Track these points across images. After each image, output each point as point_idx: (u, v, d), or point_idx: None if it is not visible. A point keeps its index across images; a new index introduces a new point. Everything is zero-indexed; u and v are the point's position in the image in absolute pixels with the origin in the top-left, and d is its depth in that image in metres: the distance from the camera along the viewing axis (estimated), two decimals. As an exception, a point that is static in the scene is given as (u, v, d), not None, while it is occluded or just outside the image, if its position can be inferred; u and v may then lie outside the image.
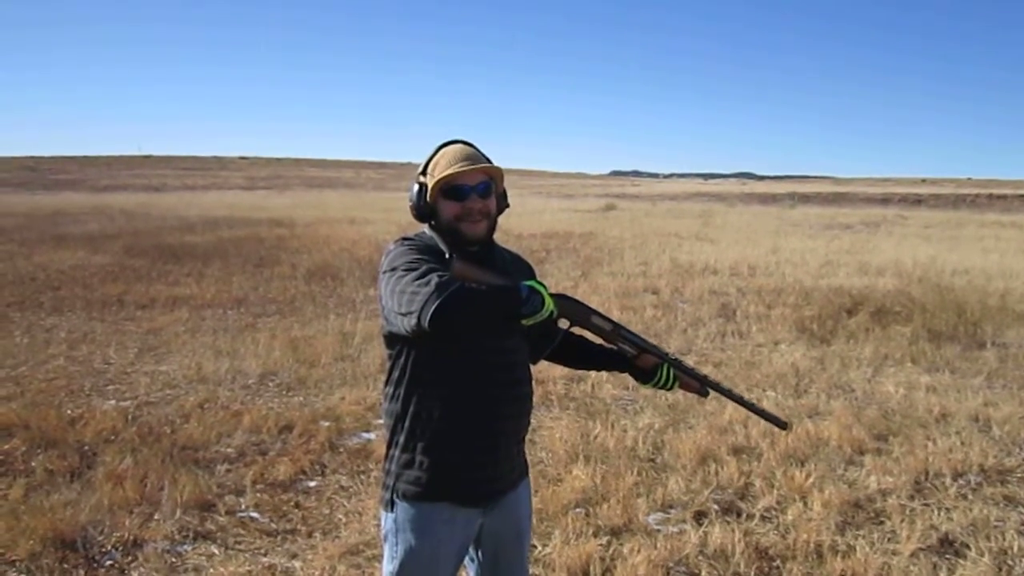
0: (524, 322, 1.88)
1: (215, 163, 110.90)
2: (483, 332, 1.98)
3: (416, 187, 2.07)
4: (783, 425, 2.33)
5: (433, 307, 1.73)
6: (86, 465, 4.57)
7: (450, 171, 1.99)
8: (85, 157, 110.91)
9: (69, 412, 5.48)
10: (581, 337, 2.27)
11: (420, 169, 2.08)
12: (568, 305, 2.07)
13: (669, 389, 2.21)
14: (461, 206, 2.01)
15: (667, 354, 2.21)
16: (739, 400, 2.27)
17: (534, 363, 2.25)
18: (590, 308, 2.11)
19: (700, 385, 2.23)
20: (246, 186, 60.74)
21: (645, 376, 2.20)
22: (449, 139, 2.09)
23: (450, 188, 2.01)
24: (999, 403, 5.92)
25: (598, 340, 2.22)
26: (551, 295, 1.93)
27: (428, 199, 2.03)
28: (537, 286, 1.89)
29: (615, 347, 2.19)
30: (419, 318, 1.75)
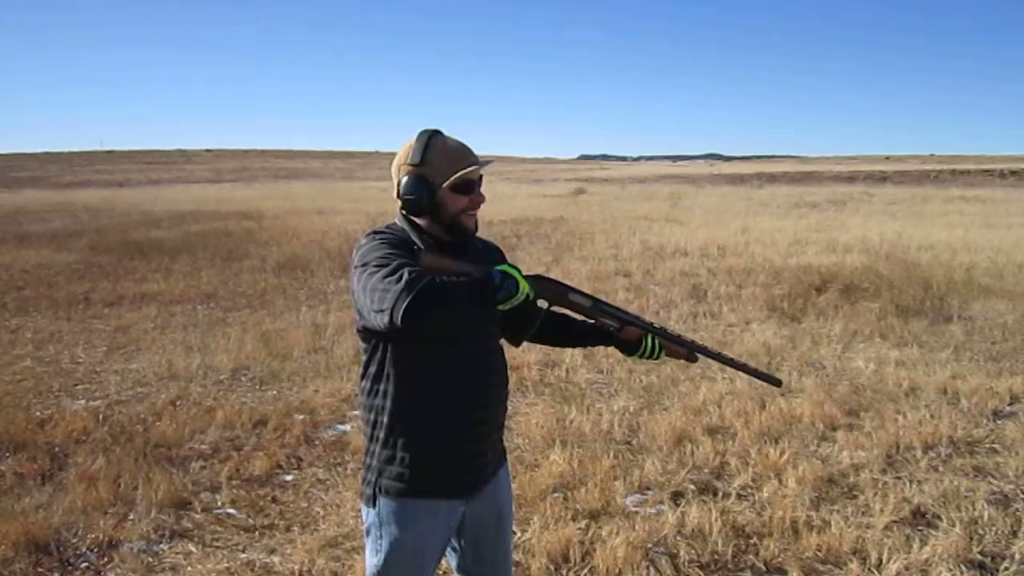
0: (501, 307, 1.87)
1: (180, 156, 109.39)
2: (460, 323, 1.97)
3: (414, 179, 1.98)
4: (776, 382, 2.34)
5: (404, 304, 1.71)
6: (57, 467, 4.51)
7: (471, 169, 2.00)
8: (46, 153, 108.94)
9: (38, 414, 5.40)
10: (563, 315, 2.27)
11: (410, 160, 2.00)
12: (545, 285, 2.06)
13: (656, 358, 2.20)
14: (469, 200, 2.02)
15: (651, 324, 2.20)
16: (728, 361, 2.26)
17: (517, 346, 2.26)
18: (567, 286, 2.10)
19: (687, 351, 2.22)
20: (212, 179, 59.99)
21: (630, 348, 2.19)
22: (427, 128, 2.03)
23: (463, 183, 2.00)
24: (966, 375, 6.02)
25: (580, 317, 2.21)
26: (526, 277, 1.92)
27: (434, 193, 1.99)
28: (510, 270, 1.88)
29: (597, 322, 2.19)
30: (391, 316, 1.73)
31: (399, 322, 1.72)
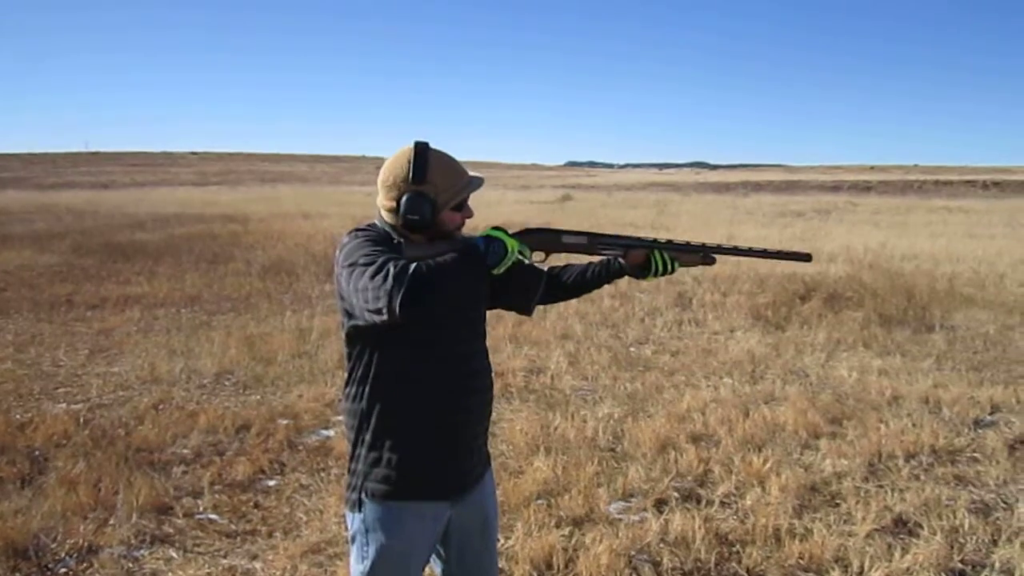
0: (497, 271, 1.88)
1: (165, 158, 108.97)
2: (459, 301, 2.00)
3: (417, 199, 1.94)
4: (805, 257, 2.34)
5: (399, 299, 1.71)
6: (37, 471, 4.46)
7: (472, 189, 2.01)
8: (29, 154, 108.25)
9: (18, 417, 5.34)
10: (567, 266, 2.28)
11: (410, 178, 1.95)
12: (535, 237, 2.08)
13: (671, 272, 2.18)
14: (462, 216, 2.04)
15: (653, 240, 2.18)
16: (747, 252, 2.25)
17: (530, 313, 2.26)
18: (559, 230, 2.12)
19: (701, 255, 2.20)
20: (197, 182, 59.70)
21: (642, 271, 2.18)
22: (418, 141, 1.99)
23: (461, 201, 2.02)
24: (948, 384, 6.06)
25: (586, 259, 2.22)
26: (514, 235, 1.94)
27: (437, 213, 1.98)
28: (493, 233, 1.89)
29: (601, 257, 2.18)
30: (388, 312, 1.74)
31: (399, 316, 1.73)
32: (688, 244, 2.19)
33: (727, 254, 2.21)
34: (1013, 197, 38.34)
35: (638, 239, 2.16)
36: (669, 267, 2.16)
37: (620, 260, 2.18)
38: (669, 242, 2.18)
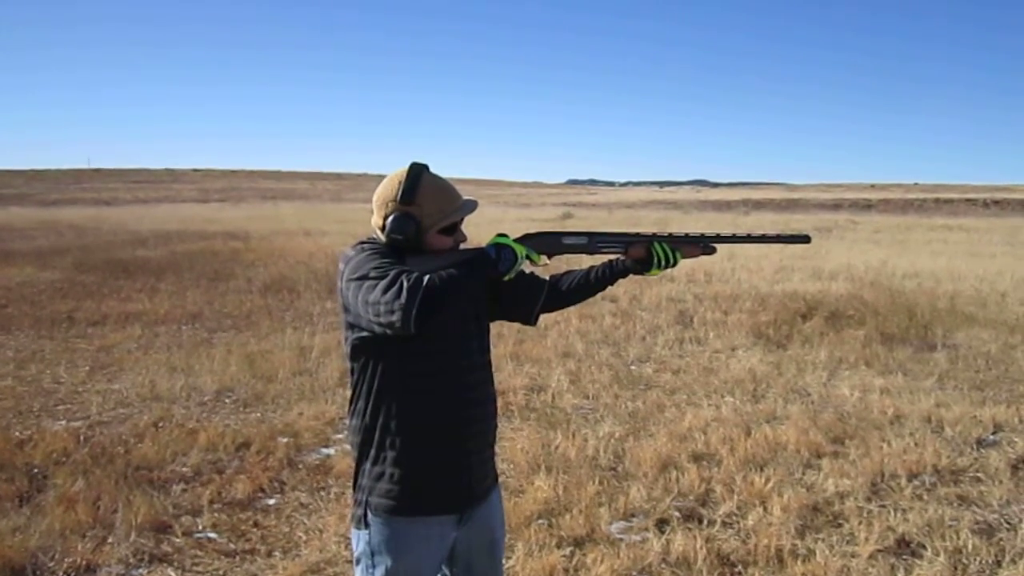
0: (507, 278, 1.91)
1: (167, 175, 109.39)
2: (466, 312, 2.03)
3: (403, 218, 1.96)
4: (805, 239, 2.33)
5: (415, 311, 1.74)
6: (36, 489, 4.44)
7: (462, 213, 2.03)
8: (32, 171, 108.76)
9: (17, 434, 5.33)
10: (567, 272, 2.29)
11: (399, 197, 1.98)
12: (537, 240, 2.11)
13: (675, 265, 2.18)
14: (453, 239, 2.05)
15: (652, 234, 2.19)
16: (745, 239, 2.27)
17: (533, 323, 2.26)
18: (559, 232, 2.15)
19: (701, 246, 2.20)
20: (199, 199, 59.92)
21: (645, 266, 2.18)
22: (415, 163, 2.02)
23: (451, 225, 2.03)
24: (951, 404, 6.04)
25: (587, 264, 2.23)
26: (516, 240, 1.98)
27: (422, 233, 1.99)
28: (501, 240, 1.94)
29: (603, 257, 2.20)
30: (403, 324, 1.76)
31: (412, 330, 1.77)
32: (687, 235, 2.21)
33: (726, 242, 2.23)
34: (1014, 215, 38.45)
35: (637, 234, 2.18)
36: (671, 258, 2.17)
37: (623, 259, 2.19)
38: (668, 235, 2.19)
